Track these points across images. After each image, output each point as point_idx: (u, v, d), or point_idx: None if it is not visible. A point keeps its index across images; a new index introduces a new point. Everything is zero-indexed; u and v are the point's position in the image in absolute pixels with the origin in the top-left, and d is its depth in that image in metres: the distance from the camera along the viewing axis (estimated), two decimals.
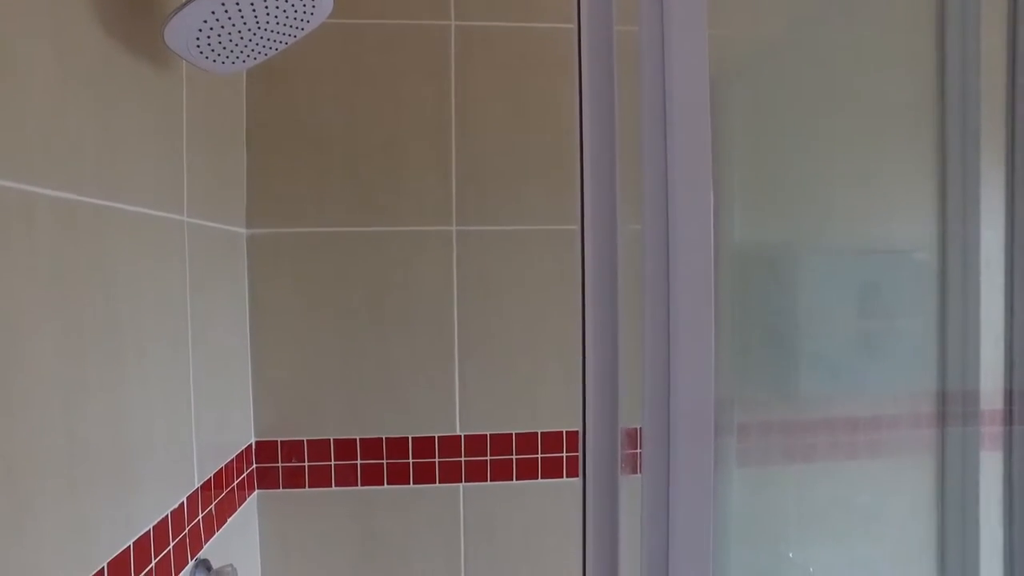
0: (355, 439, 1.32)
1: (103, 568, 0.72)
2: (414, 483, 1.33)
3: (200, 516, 1.01)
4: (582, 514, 0.68)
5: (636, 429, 0.73)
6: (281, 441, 1.31)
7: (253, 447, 1.30)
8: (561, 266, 1.38)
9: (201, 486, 1.02)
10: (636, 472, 0.71)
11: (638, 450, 0.73)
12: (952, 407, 0.94)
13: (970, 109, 0.96)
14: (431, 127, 1.36)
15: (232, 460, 1.18)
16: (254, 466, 1.30)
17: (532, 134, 1.37)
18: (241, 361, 1.28)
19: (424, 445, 1.34)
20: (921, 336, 0.96)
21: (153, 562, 0.84)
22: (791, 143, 1.02)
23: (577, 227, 1.34)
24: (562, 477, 1.37)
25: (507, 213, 1.37)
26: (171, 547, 0.90)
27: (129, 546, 0.78)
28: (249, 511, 1.27)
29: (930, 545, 0.92)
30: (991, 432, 0.90)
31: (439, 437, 1.34)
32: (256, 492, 1.31)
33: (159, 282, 0.91)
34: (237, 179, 1.29)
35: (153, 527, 0.84)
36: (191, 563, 0.97)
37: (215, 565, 1.03)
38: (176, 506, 0.92)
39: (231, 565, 1.02)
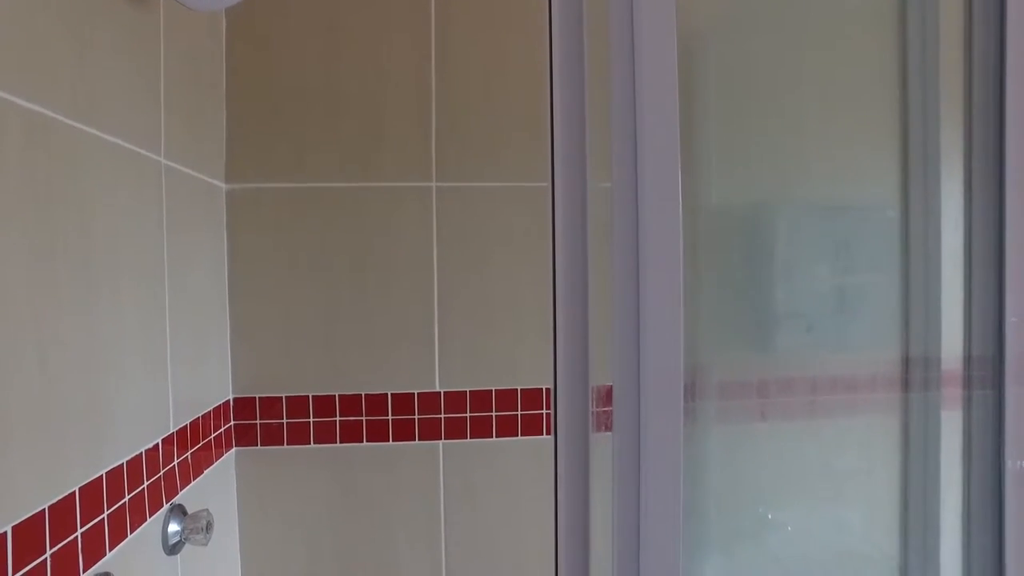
0: (334, 396, 1.32)
1: (74, 492, 0.72)
2: (393, 440, 1.33)
3: (176, 463, 1.01)
4: (554, 471, 0.68)
5: (607, 387, 0.74)
6: (260, 398, 1.31)
7: (231, 403, 1.30)
8: (540, 223, 1.38)
9: (177, 432, 1.01)
10: (607, 430, 0.72)
11: (606, 408, 0.73)
12: (916, 372, 0.95)
13: (929, 72, 0.96)
14: (411, 83, 1.34)
15: (209, 412, 1.17)
16: (232, 423, 1.30)
17: (511, 91, 1.37)
18: (219, 316, 1.27)
19: (403, 402, 1.34)
20: (888, 294, 0.97)
21: (127, 497, 0.84)
22: (764, 105, 1.01)
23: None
24: (541, 434, 1.38)
25: (487, 169, 1.36)
26: (145, 487, 0.89)
27: (101, 476, 0.78)
28: (227, 468, 1.27)
29: (895, 503, 0.94)
30: (951, 394, 0.92)
31: (418, 394, 1.34)
32: (234, 449, 1.31)
33: (136, 221, 0.91)
34: (216, 133, 1.28)
35: (127, 462, 0.84)
36: (166, 507, 0.97)
37: (190, 512, 1.04)
38: (151, 446, 0.92)
39: (207, 509, 1.03)
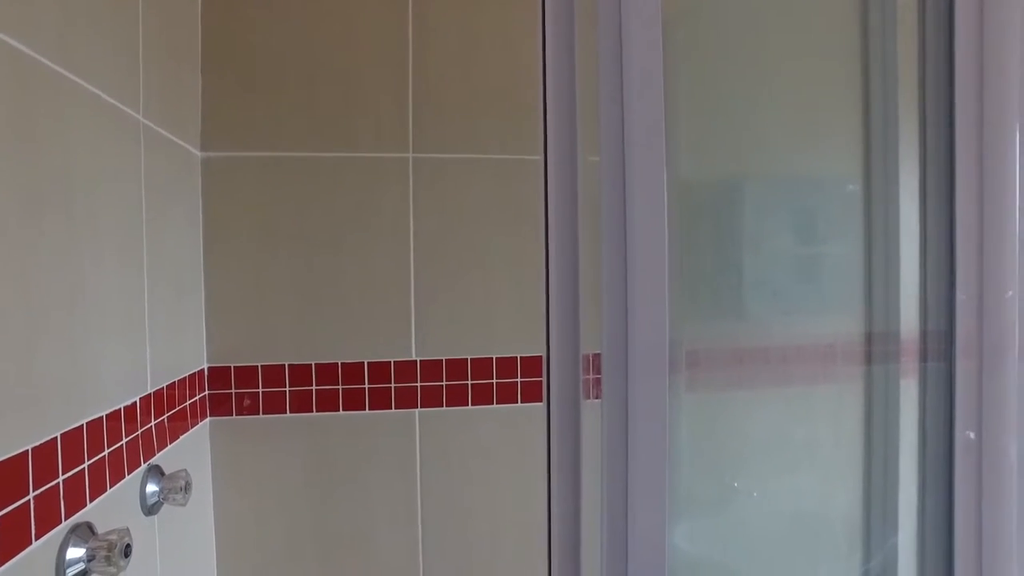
0: (310, 365, 1.33)
1: (56, 438, 0.73)
2: (370, 409, 1.35)
3: (153, 424, 1.01)
4: (547, 437, 0.71)
5: (594, 355, 0.77)
6: (235, 367, 1.31)
7: (205, 372, 1.30)
8: (516, 195, 1.40)
9: (154, 393, 1.02)
10: (596, 397, 0.75)
11: (597, 375, 0.77)
12: (877, 344, 1.01)
13: (888, 56, 1.01)
14: (389, 55, 1.34)
15: (185, 379, 1.17)
16: (206, 392, 1.30)
17: (488, 63, 1.39)
18: (194, 285, 1.26)
19: (380, 370, 1.35)
20: (851, 268, 1.03)
21: (106, 451, 0.85)
22: (733, 84, 1.04)
23: (535, 158, 1.36)
24: (516, 402, 1.41)
25: (464, 141, 1.38)
26: (124, 443, 0.90)
27: (82, 425, 0.79)
28: (201, 437, 1.27)
29: (857, 469, 1.00)
30: (909, 366, 0.98)
31: (395, 362, 1.36)
32: (208, 419, 1.31)
33: (116, 179, 0.91)
34: (192, 100, 1.27)
35: (106, 416, 0.85)
36: (144, 466, 0.98)
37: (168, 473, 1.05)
38: (129, 404, 0.92)
39: (185, 470, 1.04)
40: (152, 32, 1.03)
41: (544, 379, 0.71)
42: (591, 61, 0.78)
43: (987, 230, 0.87)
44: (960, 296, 0.88)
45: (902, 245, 0.97)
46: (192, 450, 1.22)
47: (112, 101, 0.89)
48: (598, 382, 0.73)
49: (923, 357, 0.93)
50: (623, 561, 0.67)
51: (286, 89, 1.32)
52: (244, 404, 1.31)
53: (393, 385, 1.36)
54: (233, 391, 1.31)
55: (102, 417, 0.84)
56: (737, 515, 1.01)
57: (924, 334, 0.93)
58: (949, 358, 0.87)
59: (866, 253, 1.02)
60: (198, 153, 1.28)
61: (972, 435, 0.88)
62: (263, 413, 1.32)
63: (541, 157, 0.75)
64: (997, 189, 0.86)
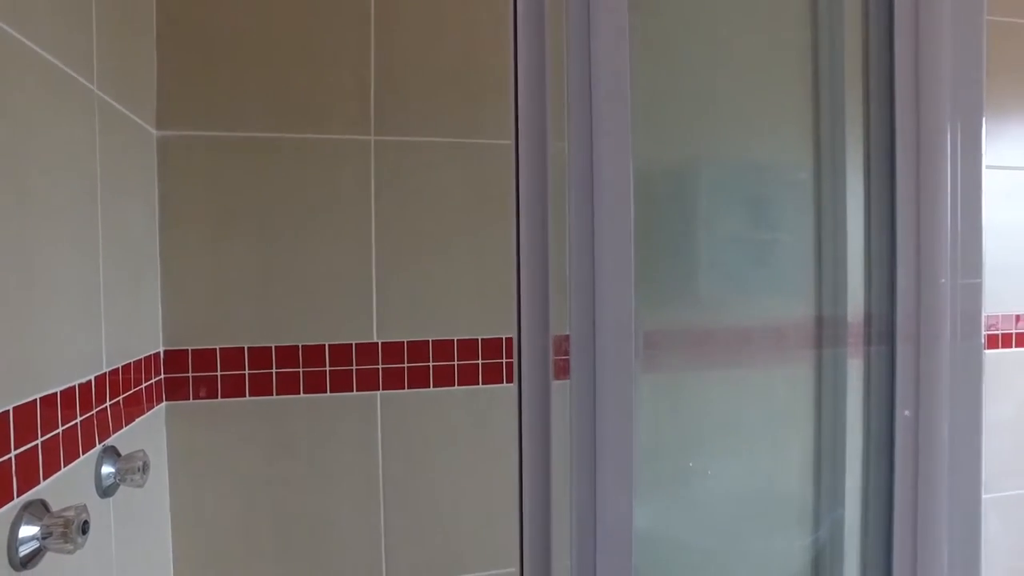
0: (270, 347, 1.32)
1: (8, 411, 0.72)
2: (331, 391, 1.35)
3: (108, 404, 1.00)
4: (518, 417, 0.73)
5: (563, 336, 0.79)
6: (192, 350, 1.29)
7: (161, 356, 1.28)
8: (477, 178, 1.41)
9: (109, 373, 1.00)
10: (564, 377, 0.78)
11: (565, 357, 0.79)
12: (827, 327, 1.07)
13: (836, 47, 1.05)
14: (350, 35, 1.34)
15: (140, 361, 1.16)
16: (162, 376, 1.28)
17: (450, 48, 1.39)
18: (149, 266, 1.24)
19: (341, 353, 1.35)
20: (802, 252, 1.07)
21: (60, 428, 0.83)
22: (687, 70, 1.08)
23: (497, 142, 1.36)
24: (478, 384, 1.42)
25: (425, 125, 1.38)
26: (79, 421, 0.89)
27: (36, 400, 0.78)
28: (156, 422, 1.25)
29: (807, 449, 1.06)
30: (856, 349, 1.03)
31: (356, 344, 1.36)
32: (164, 403, 1.29)
33: (70, 152, 0.89)
34: (147, 76, 1.25)
35: (61, 392, 0.84)
36: (99, 447, 0.97)
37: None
38: (84, 382, 0.91)
39: (142, 450, 1.02)
40: (105, 4, 1.01)
41: (515, 360, 0.73)
42: (561, 51, 0.80)
43: (923, 220, 0.93)
44: (900, 282, 0.94)
45: (849, 233, 1.02)
46: (148, 434, 1.20)
47: (66, 69, 0.87)
48: (566, 363, 0.76)
49: (867, 340, 0.99)
50: (591, 535, 0.70)
51: (245, 68, 1.30)
52: (200, 393, 1.29)
53: (355, 367, 1.36)
54: (190, 375, 1.29)
55: (56, 393, 0.83)
56: (692, 493, 1.06)
57: (868, 318, 0.98)
58: (891, 341, 0.93)
59: (816, 240, 1.07)
60: (154, 131, 1.26)
61: (908, 413, 0.94)
62: (221, 397, 1.30)
63: (512, 143, 0.77)
64: (932, 183, 0.91)
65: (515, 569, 1.44)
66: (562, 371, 0.77)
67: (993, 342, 1.88)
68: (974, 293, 0.93)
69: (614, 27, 0.80)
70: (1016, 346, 1.93)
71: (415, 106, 1.38)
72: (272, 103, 1.31)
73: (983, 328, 0.91)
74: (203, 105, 1.28)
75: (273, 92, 1.31)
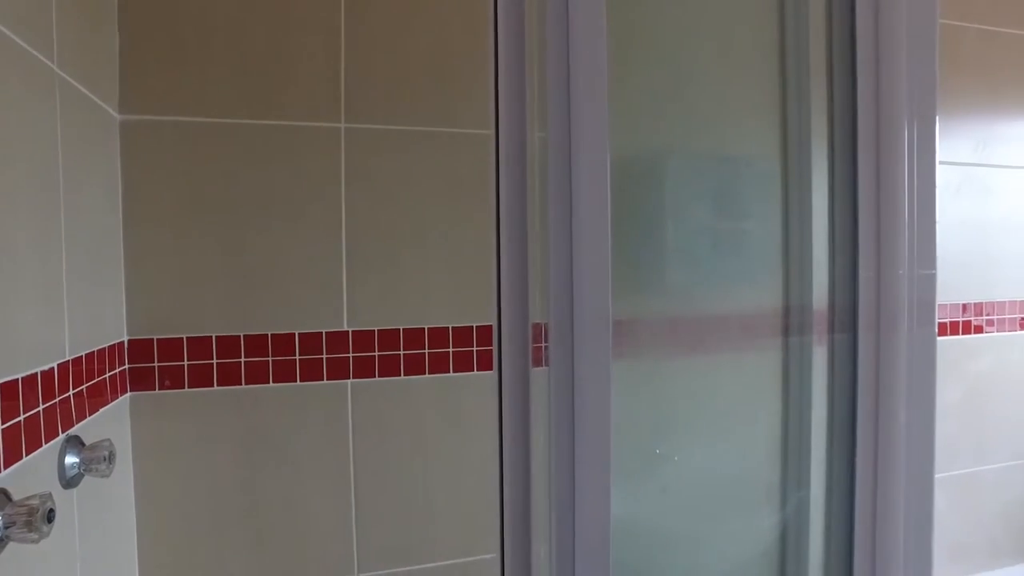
0: (239, 336, 1.30)
1: None
2: (301, 380, 1.34)
3: (71, 393, 0.97)
4: (498, 403, 0.74)
5: (539, 324, 0.80)
6: (158, 339, 1.26)
7: (126, 345, 1.25)
8: (448, 167, 1.41)
9: (72, 361, 0.98)
10: (540, 365, 0.79)
11: (541, 344, 0.80)
12: (793, 316, 1.10)
13: (802, 47, 1.09)
14: (320, 20, 1.32)
15: (104, 350, 1.13)
16: (126, 366, 1.25)
17: (421, 36, 1.38)
18: (113, 254, 1.21)
19: (311, 341, 1.34)
20: (771, 243, 1.11)
21: (22, 416, 0.81)
22: (658, 67, 1.10)
23: (468, 131, 1.36)
24: (449, 372, 1.43)
25: (396, 113, 1.37)
26: (41, 410, 0.87)
27: None
28: (121, 413, 1.22)
29: (776, 433, 1.09)
30: (821, 337, 1.07)
31: (326, 333, 1.35)
32: (128, 394, 1.26)
33: (31, 133, 0.86)
34: (109, 58, 1.21)
35: (22, 379, 0.82)
36: (62, 436, 0.95)
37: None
38: (47, 369, 0.89)
39: (108, 439, 1.00)
40: None
41: (495, 348, 0.74)
42: (540, 45, 0.81)
43: (883, 214, 0.96)
44: (862, 273, 0.98)
45: (814, 226, 1.06)
46: (112, 425, 1.17)
47: (25, 46, 0.84)
48: (542, 351, 0.77)
49: (832, 328, 1.02)
50: (571, 519, 0.72)
51: (212, 52, 1.27)
52: (166, 383, 1.27)
53: (325, 356, 1.35)
54: (156, 364, 1.26)
55: (17, 380, 0.81)
56: (662, 478, 1.08)
57: (833, 307, 1.02)
58: (854, 329, 0.96)
59: (784, 232, 1.11)
60: (116, 115, 1.22)
61: (870, 399, 0.98)
62: (188, 387, 1.28)
63: (492, 133, 0.77)
64: (891, 179, 0.95)
65: (487, 556, 1.46)
66: (538, 359, 0.78)
67: (941, 330, 1.96)
68: (929, 283, 0.97)
69: (593, 22, 0.81)
70: (962, 334, 2.01)
71: (386, 94, 1.37)
72: (240, 88, 1.29)
73: (936, 316, 0.95)
74: (168, 89, 1.25)
75: (241, 77, 1.29)
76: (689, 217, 1.13)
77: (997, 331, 2.05)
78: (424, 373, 1.41)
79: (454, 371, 1.43)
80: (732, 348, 1.11)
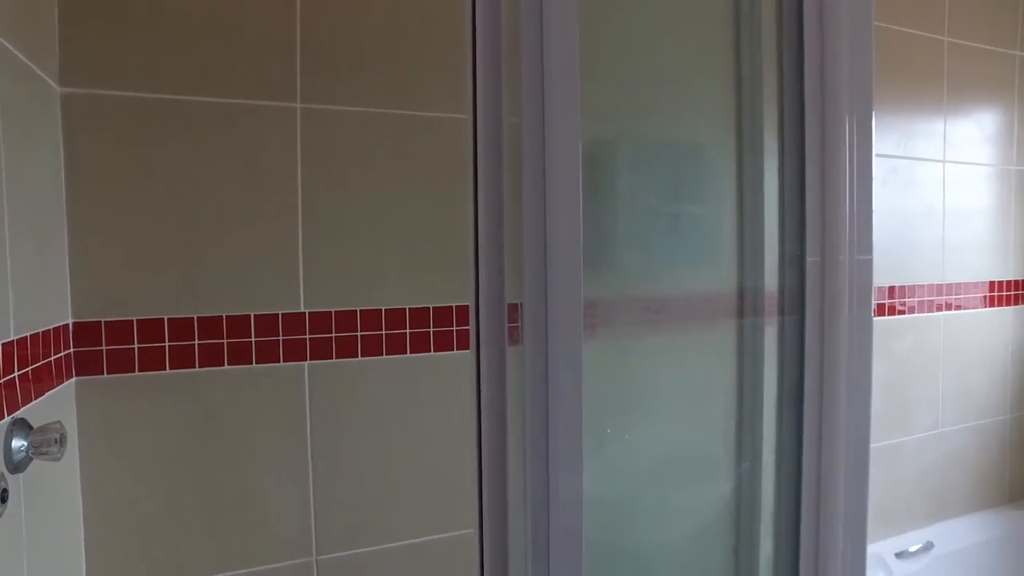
0: (192, 318, 1.27)
1: None
2: (256, 362, 1.31)
3: (16, 374, 0.93)
4: (475, 382, 0.75)
5: (513, 304, 0.82)
6: (106, 322, 1.22)
7: (70, 328, 1.20)
8: (405, 149, 1.40)
9: (17, 341, 0.94)
10: (514, 344, 0.81)
11: (516, 324, 0.82)
12: (747, 297, 1.15)
13: (755, 41, 1.14)
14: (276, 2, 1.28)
15: (49, 332, 1.08)
16: (71, 350, 1.20)
17: (379, 16, 1.36)
18: (56, 232, 1.16)
19: (267, 323, 1.32)
20: (726, 228, 1.15)
21: None
22: (613, 50, 1.12)
23: (426, 114, 1.36)
24: (406, 353, 1.43)
25: (353, 95, 1.36)
26: None
27: None
28: (66, 398, 1.18)
29: (730, 411, 1.15)
30: (771, 319, 1.12)
31: (283, 314, 1.33)
32: (74, 379, 1.21)
33: None
34: (48, 27, 1.15)
35: None
36: (7, 419, 0.91)
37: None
38: None
39: (59, 422, 0.97)
40: None
41: (472, 327, 0.76)
42: (515, 31, 0.82)
43: (827, 203, 1.02)
44: (809, 258, 1.04)
45: (765, 212, 1.11)
46: (59, 410, 1.13)
47: None
48: (518, 330, 0.79)
49: (782, 310, 1.08)
50: (544, 495, 0.74)
51: (160, 24, 1.22)
52: (115, 367, 1.23)
53: (281, 338, 1.33)
54: (104, 348, 1.22)
55: None
56: (619, 455, 1.12)
57: (783, 290, 1.08)
58: (801, 311, 1.02)
59: (738, 216, 1.16)
60: (57, 88, 1.16)
61: (814, 377, 1.04)
62: (139, 371, 1.24)
63: (470, 117, 0.78)
64: (834, 170, 1.00)
65: (444, 535, 1.48)
66: (512, 338, 0.80)
67: None
68: (866, 268, 1.05)
69: (566, 16, 0.82)
70: (887, 315, 2.14)
71: (343, 75, 1.35)
72: (190, 64, 1.25)
73: (872, 299, 1.02)
74: (113, 62, 1.20)
75: (191, 52, 1.24)
76: (641, 201, 1.17)
77: (917, 313, 2.19)
78: (381, 354, 1.41)
79: (411, 352, 1.43)
80: (690, 328, 1.16)
